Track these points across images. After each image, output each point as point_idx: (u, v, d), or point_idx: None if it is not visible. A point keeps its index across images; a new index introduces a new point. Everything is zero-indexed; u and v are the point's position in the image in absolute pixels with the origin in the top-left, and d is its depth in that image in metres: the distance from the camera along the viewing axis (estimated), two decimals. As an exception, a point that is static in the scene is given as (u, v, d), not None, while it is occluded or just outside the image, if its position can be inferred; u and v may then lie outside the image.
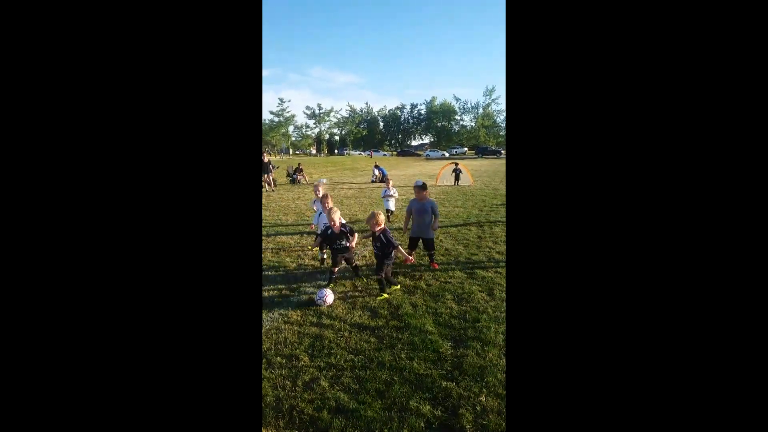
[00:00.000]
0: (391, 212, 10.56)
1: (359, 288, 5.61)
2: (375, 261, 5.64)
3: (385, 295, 5.19)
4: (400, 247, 5.44)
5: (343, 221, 5.76)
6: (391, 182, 11.14)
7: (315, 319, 4.51)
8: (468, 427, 2.77)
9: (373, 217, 5.36)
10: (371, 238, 5.52)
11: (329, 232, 5.62)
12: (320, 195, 7.14)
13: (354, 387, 3.23)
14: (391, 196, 10.60)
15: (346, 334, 4.15)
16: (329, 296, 4.95)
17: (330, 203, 6.54)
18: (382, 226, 5.39)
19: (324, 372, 3.45)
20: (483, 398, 3.06)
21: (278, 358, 3.67)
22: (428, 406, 2.97)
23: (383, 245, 5.31)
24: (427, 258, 6.56)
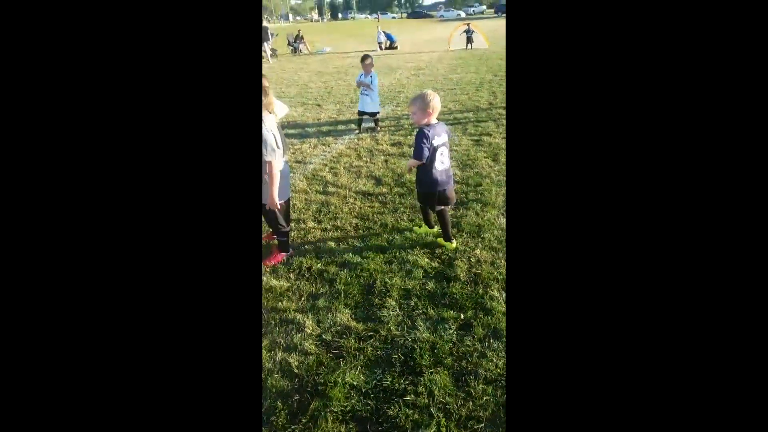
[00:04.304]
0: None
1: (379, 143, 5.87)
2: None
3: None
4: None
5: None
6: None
7: (320, 188, 4.57)
8: (462, 275, 2.96)
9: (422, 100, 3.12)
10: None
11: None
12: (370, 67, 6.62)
13: (358, 245, 3.41)
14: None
15: (351, 201, 4.23)
16: None
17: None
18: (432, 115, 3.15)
19: (330, 233, 3.62)
20: (478, 252, 3.20)
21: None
22: (426, 259, 3.15)
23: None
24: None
